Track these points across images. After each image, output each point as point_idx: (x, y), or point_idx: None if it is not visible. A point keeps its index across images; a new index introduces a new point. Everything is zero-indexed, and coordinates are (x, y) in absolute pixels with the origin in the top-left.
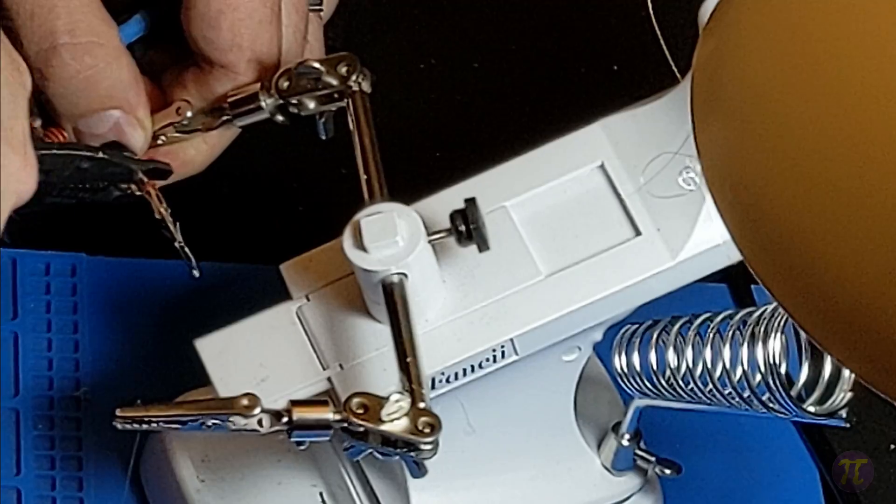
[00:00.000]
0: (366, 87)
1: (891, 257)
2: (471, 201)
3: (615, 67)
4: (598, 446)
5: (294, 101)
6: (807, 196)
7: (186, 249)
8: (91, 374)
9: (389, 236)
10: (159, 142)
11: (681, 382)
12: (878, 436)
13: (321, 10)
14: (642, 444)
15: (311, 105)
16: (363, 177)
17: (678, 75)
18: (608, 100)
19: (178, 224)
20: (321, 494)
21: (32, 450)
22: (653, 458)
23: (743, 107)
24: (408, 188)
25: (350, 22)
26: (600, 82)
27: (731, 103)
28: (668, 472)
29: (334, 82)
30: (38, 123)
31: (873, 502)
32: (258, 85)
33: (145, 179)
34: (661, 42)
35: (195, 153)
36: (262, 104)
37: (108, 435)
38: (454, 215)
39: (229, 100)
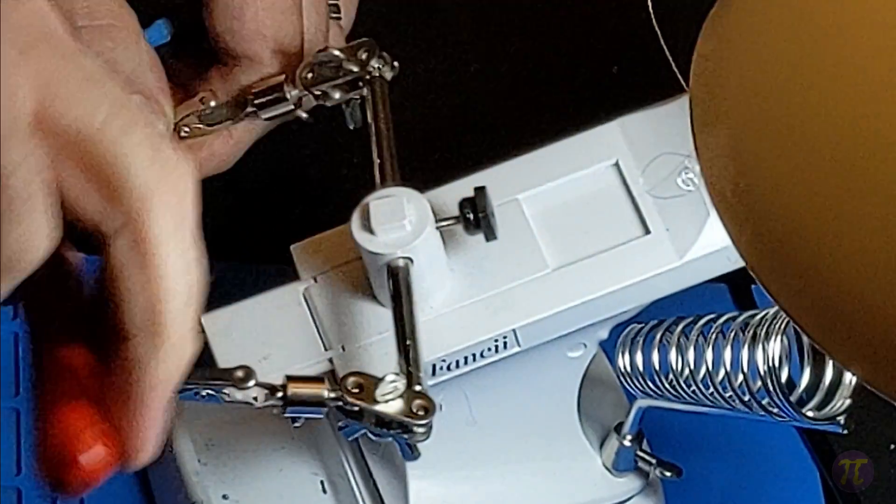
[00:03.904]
0: (386, 72)
1: (892, 259)
2: (480, 190)
3: (615, 69)
4: (601, 446)
5: (318, 92)
6: (808, 198)
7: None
8: None
9: (397, 220)
10: (183, 133)
11: (683, 384)
12: (877, 436)
13: (340, 18)
14: (644, 446)
15: (336, 95)
16: (376, 161)
17: (678, 75)
18: (608, 100)
19: None
20: (322, 482)
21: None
22: (654, 460)
23: (742, 110)
24: (415, 183)
25: (352, 26)
26: (600, 83)
27: (729, 106)
28: (668, 474)
29: (355, 68)
30: None
31: (873, 502)
32: (282, 76)
33: None
34: (662, 43)
35: (221, 145)
36: (287, 95)
37: None
38: (463, 203)
39: (254, 90)
